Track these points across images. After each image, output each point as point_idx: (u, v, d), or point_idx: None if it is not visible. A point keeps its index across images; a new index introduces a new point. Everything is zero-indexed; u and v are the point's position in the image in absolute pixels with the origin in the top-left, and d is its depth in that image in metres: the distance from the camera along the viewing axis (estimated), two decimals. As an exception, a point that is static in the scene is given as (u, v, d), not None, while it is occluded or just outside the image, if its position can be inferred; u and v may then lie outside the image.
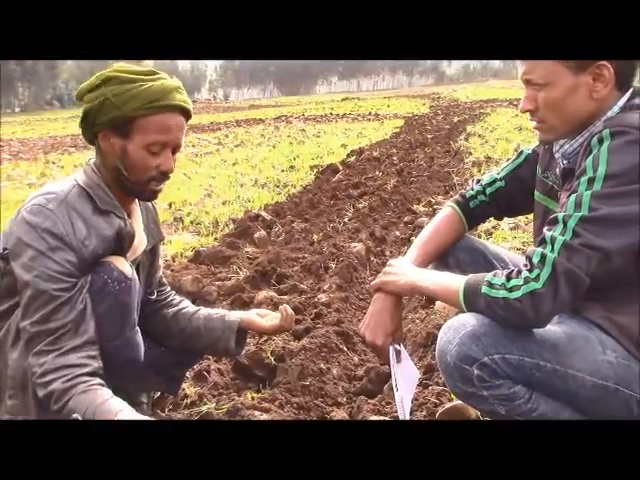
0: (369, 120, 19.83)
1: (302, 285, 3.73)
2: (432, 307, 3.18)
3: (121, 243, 1.86)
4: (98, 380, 1.71)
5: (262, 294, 3.41)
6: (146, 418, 1.59)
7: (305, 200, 6.33)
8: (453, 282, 1.60)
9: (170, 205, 6.64)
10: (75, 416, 1.60)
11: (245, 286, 3.65)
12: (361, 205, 5.98)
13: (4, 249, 1.77)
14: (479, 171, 7.06)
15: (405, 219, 5.51)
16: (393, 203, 6.02)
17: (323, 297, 3.42)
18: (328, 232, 5.03)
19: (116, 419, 1.58)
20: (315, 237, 4.90)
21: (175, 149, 1.85)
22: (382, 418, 2.14)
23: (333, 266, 4.01)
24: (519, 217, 5.04)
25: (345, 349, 2.88)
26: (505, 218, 5.06)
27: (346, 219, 5.53)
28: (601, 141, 1.49)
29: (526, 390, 1.50)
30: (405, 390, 1.81)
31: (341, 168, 8.65)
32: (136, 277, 1.89)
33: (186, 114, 1.86)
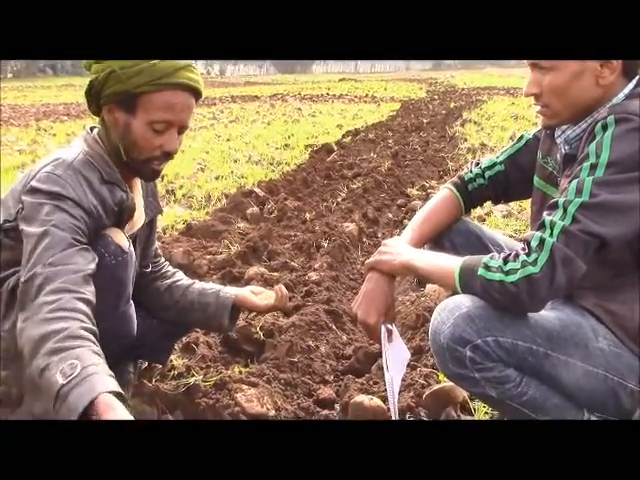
0: (365, 102, 19.71)
1: (293, 263, 3.71)
2: (422, 290, 3.18)
3: (121, 216, 1.83)
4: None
5: (253, 270, 3.40)
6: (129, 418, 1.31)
7: (299, 179, 6.30)
8: (449, 263, 1.59)
9: (162, 178, 6.58)
10: (75, 362, 1.36)
11: (236, 261, 3.63)
12: (355, 186, 5.96)
13: (5, 220, 1.73)
14: (474, 157, 7.04)
15: (398, 202, 5.50)
16: (387, 185, 6.00)
17: (314, 275, 3.41)
18: (321, 211, 5.01)
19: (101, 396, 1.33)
20: (308, 216, 4.88)
21: (181, 129, 1.80)
22: (370, 396, 2.14)
23: (325, 245, 3.99)
24: (512, 205, 5.04)
25: (334, 328, 2.88)
26: (499, 205, 5.07)
27: (339, 199, 5.51)
28: (605, 127, 1.48)
29: (517, 374, 1.50)
30: (395, 370, 1.81)
31: (336, 148, 8.61)
32: (133, 251, 1.86)
33: (196, 93, 1.80)
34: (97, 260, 1.67)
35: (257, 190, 5.59)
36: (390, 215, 5.14)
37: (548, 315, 1.55)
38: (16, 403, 1.73)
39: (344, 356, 2.69)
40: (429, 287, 3.11)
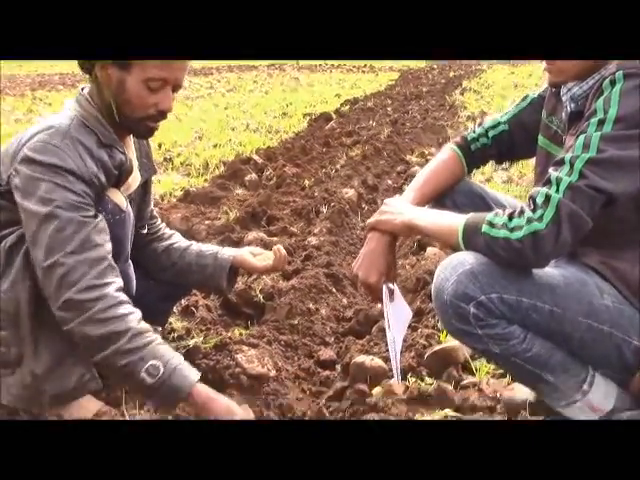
0: (364, 72, 19.48)
1: (292, 228, 3.69)
2: (423, 253, 3.17)
3: (120, 178, 1.81)
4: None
5: (252, 235, 3.38)
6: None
7: (297, 146, 6.24)
8: (452, 221, 1.57)
9: (160, 146, 6.52)
10: (156, 363, 1.59)
11: (235, 226, 3.61)
12: (354, 153, 5.90)
13: None
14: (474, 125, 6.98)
15: (398, 169, 5.46)
16: (386, 153, 5.95)
17: (313, 240, 3.39)
18: (320, 178, 4.97)
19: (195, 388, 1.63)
20: (306, 182, 4.84)
21: (176, 87, 1.76)
22: (371, 357, 2.13)
23: (324, 210, 3.97)
24: (512, 170, 5.01)
25: (334, 291, 2.87)
26: (498, 172, 5.04)
27: (338, 166, 5.46)
28: (613, 83, 1.45)
29: (521, 330, 1.49)
30: (397, 330, 1.80)
31: (334, 117, 8.53)
32: (130, 210, 1.85)
33: None
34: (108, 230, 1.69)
35: (255, 157, 5.54)
36: (389, 182, 5.10)
37: (552, 272, 1.53)
38: (16, 363, 1.72)
39: (344, 318, 2.69)
40: (429, 250, 3.09)
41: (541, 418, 1.54)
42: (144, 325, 1.64)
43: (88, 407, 1.81)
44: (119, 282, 1.67)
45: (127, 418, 1.80)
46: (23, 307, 1.68)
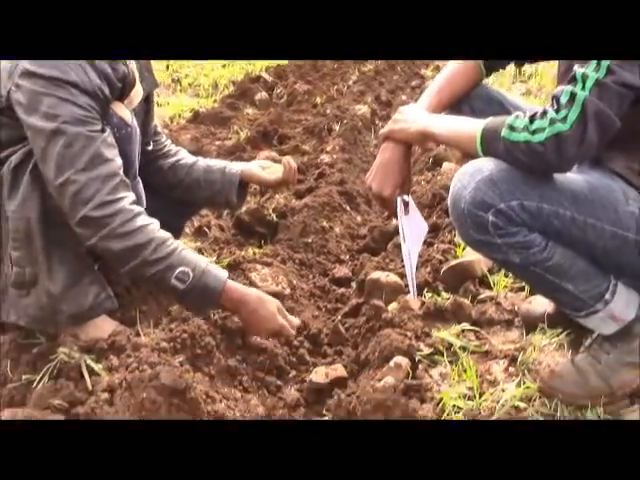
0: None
1: (304, 146, 3.61)
2: (438, 169, 3.08)
3: (123, 90, 1.74)
4: None
5: (263, 154, 3.30)
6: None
7: (308, 63, 6.04)
8: (469, 127, 1.48)
9: (167, 67, 6.35)
10: (185, 269, 1.62)
11: (245, 146, 3.54)
12: (366, 68, 5.72)
13: None
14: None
15: (412, 83, 5.30)
16: (400, 67, 5.77)
17: (326, 158, 3.31)
18: (332, 95, 4.83)
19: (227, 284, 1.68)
20: (318, 99, 4.71)
21: None
22: (387, 273, 2.10)
23: (336, 128, 3.86)
24: (530, 83, 4.84)
25: (348, 209, 2.82)
26: (516, 84, 4.87)
27: (350, 82, 5.30)
28: None
29: (542, 239, 1.42)
30: (412, 243, 1.75)
31: (346, 32, 8.22)
32: (136, 124, 1.80)
33: None
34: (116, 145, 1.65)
35: (265, 75, 5.39)
36: (404, 97, 4.95)
37: (576, 178, 1.46)
38: (31, 284, 1.71)
39: (359, 236, 2.65)
40: (445, 165, 3.01)
41: (541, 418, 1.50)
42: (165, 234, 1.65)
43: (103, 327, 1.81)
44: (132, 196, 1.65)
45: (142, 338, 1.79)
46: (33, 226, 1.64)
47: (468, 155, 1.55)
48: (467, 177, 1.42)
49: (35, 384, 1.61)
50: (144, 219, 1.63)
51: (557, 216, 1.40)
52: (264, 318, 1.74)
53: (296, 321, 1.84)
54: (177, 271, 1.61)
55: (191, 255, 1.67)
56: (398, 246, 2.25)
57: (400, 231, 1.73)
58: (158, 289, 1.77)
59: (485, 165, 1.41)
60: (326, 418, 1.65)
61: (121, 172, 1.64)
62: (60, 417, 1.50)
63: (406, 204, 1.73)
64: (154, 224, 1.64)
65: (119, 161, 1.64)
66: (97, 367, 1.66)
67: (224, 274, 1.70)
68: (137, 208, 1.64)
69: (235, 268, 2.17)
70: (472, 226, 1.42)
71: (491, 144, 1.42)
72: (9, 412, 1.49)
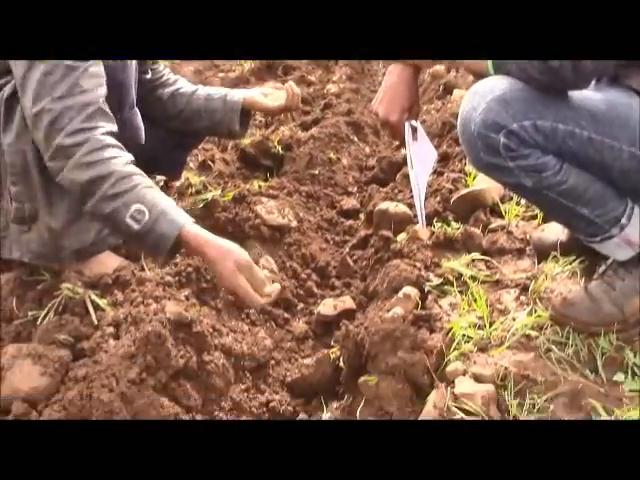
0: None
1: (310, 77, 3.50)
2: (449, 97, 2.98)
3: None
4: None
5: (268, 85, 3.21)
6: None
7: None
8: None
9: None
10: (141, 207, 1.45)
11: (249, 78, 3.45)
12: None
13: None
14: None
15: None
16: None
17: (333, 88, 3.22)
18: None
19: (184, 229, 1.46)
20: (324, 29, 4.55)
21: None
22: (395, 203, 2.05)
23: (343, 57, 3.74)
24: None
25: (356, 140, 2.75)
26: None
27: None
28: None
29: (557, 161, 1.36)
30: (421, 170, 1.69)
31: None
32: None
33: None
34: (104, 76, 1.56)
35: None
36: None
37: (593, 96, 1.38)
38: (31, 219, 1.68)
39: (367, 167, 2.59)
40: (456, 93, 2.91)
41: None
42: (132, 169, 1.50)
43: (107, 263, 1.79)
44: (110, 127, 1.55)
45: (147, 272, 1.77)
46: (30, 160, 1.60)
47: (479, 76, 1.47)
48: (478, 97, 1.35)
49: (40, 320, 1.60)
50: (114, 152, 1.50)
51: (573, 136, 1.34)
52: (220, 274, 1.47)
53: (274, 286, 1.52)
54: (133, 209, 1.45)
55: (153, 194, 1.49)
56: (407, 177, 2.19)
57: (408, 158, 1.67)
58: (116, 231, 1.58)
59: (497, 84, 1.34)
60: (326, 418, 1.58)
61: (102, 102, 1.55)
62: (66, 352, 1.50)
63: (414, 130, 1.67)
64: (122, 157, 1.51)
65: (100, 91, 1.55)
66: (102, 302, 1.65)
67: (184, 219, 1.48)
68: (108, 139, 1.52)
69: (240, 201, 2.13)
70: (483, 148, 1.35)
71: (504, 62, 1.34)
72: (14, 347, 1.49)
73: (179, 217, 1.48)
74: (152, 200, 1.47)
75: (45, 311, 1.63)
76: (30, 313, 1.65)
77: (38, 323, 1.60)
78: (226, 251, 1.47)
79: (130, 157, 1.52)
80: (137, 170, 1.51)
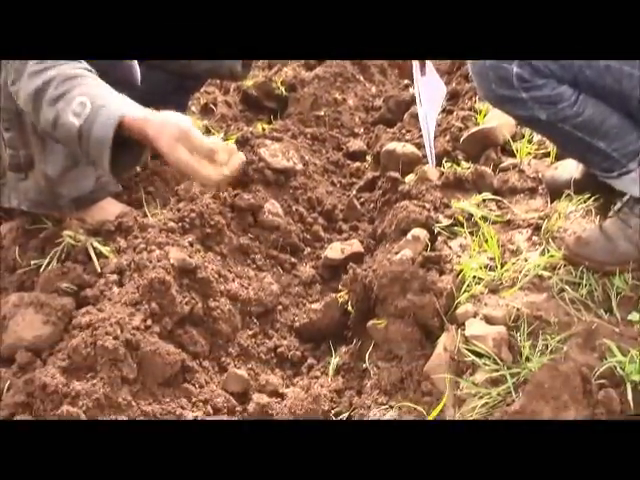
0: None
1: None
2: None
3: None
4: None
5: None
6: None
7: None
8: None
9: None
10: (83, 99, 1.29)
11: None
12: None
13: None
14: None
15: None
16: None
17: (338, 26, 3.11)
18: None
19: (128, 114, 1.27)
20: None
21: None
22: (403, 143, 1.99)
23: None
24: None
25: (362, 79, 2.66)
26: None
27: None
28: None
29: (572, 92, 1.30)
30: (430, 107, 1.64)
31: None
32: None
33: None
34: None
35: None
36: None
37: (612, 22, 1.31)
38: (27, 166, 1.64)
39: (374, 108, 2.51)
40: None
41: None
42: (80, 71, 1.36)
43: (109, 209, 1.76)
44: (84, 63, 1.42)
45: (150, 219, 1.73)
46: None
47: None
48: (489, 26, 1.28)
49: (42, 268, 1.58)
50: (64, 61, 1.37)
51: (590, 65, 1.27)
52: (162, 153, 1.27)
53: (234, 157, 1.28)
54: (75, 103, 1.29)
55: (98, 88, 1.34)
56: (415, 116, 2.12)
57: (416, 94, 1.62)
58: (64, 139, 1.38)
59: (510, 11, 1.27)
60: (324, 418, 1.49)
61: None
62: (69, 300, 1.48)
63: (423, 64, 1.61)
64: (72, 63, 1.37)
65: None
66: (105, 249, 1.62)
67: (131, 106, 1.31)
68: (74, 63, 1.38)
69: (244, 144, 2.07)
70: (495, 80, 1.29)
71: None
72: (16, 296, 1.47)
73: (124, 106, 1.30)
74: (95, 92, 1.32)
75: (47, 259, 1.60)
76: (33, 262, 1.63)
77: (41, 271, 1.58)
78: (160, 125, 1.26)
79: (86, 65, 1.40)
80: (87, 72, 1.37)
